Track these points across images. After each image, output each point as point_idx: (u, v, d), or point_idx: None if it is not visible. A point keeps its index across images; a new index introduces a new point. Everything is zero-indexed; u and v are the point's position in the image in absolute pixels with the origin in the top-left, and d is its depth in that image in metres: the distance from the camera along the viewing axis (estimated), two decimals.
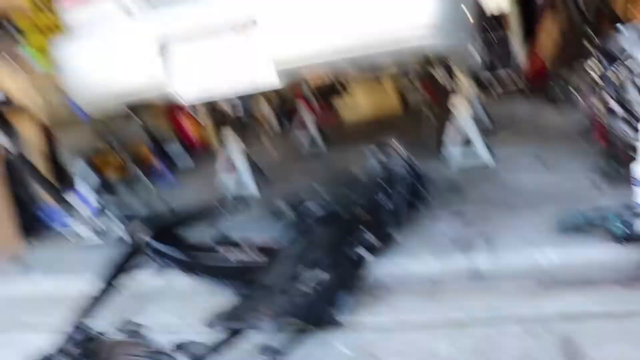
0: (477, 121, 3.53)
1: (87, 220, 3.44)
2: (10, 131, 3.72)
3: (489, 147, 3.34)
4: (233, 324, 1.60)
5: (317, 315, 1.76)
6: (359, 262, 2.04)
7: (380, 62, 2.55)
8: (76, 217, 3.50)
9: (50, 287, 2.80)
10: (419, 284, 2.05)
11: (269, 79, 2.25)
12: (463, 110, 3.44)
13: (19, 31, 4.65)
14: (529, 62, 5.40)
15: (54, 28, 4.41)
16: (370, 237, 2.12)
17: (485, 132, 3.50)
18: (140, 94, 2.56)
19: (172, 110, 5.74)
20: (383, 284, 2.09)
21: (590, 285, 1.81)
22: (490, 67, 5.59)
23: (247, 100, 5.68)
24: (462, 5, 2.34)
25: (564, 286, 1.84)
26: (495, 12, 5.55)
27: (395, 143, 2.87)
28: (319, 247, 1.91)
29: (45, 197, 4.00)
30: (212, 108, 5.58)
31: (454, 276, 2.04)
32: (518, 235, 2.18)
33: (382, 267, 2.15)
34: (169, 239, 2.33)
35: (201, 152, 5.73)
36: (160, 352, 1.46)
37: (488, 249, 2.11)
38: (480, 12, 4.65)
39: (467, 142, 3.42)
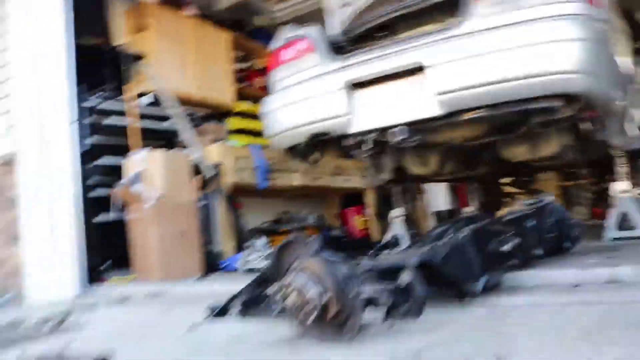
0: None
1: (258, 257, 3.96)
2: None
3: None
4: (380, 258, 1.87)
5: (455, 274, 1.95)
6: (502, 256, 2.21)
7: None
8: (249, 254, 4.05)
9: (218, 287, 3.26)
10: (557, 287, 2.15)
11: (431, 110, 2.69)
12: (623, 193, 3.47)
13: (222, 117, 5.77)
14: None
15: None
16: (514, 242, 2.29)
17: None
18: (326, 131, 3.10)
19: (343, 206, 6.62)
20: (522, 284, 2.22)
21: None
22: None
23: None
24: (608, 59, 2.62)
25: None
26: None
27: (548, 196, 3.04)
28: (465, 231, 2.13)
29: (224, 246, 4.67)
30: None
31: (594, 282, 2.11)
32: None
33: (523, 274, 2.29)
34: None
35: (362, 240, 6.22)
36: None
37: (633, 265, 2.15)
38: None
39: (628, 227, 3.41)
